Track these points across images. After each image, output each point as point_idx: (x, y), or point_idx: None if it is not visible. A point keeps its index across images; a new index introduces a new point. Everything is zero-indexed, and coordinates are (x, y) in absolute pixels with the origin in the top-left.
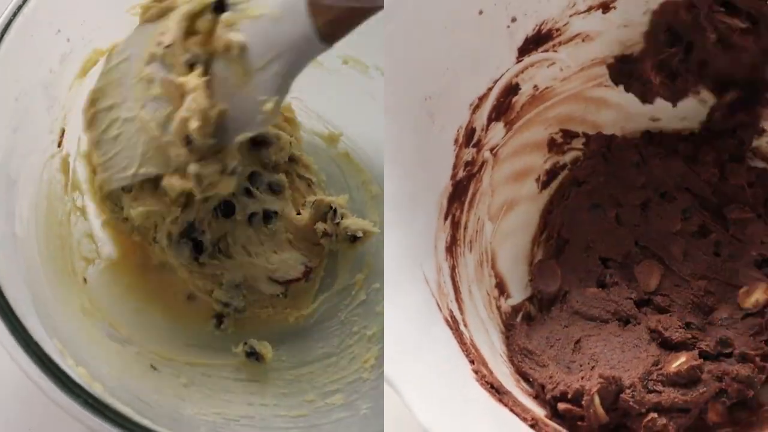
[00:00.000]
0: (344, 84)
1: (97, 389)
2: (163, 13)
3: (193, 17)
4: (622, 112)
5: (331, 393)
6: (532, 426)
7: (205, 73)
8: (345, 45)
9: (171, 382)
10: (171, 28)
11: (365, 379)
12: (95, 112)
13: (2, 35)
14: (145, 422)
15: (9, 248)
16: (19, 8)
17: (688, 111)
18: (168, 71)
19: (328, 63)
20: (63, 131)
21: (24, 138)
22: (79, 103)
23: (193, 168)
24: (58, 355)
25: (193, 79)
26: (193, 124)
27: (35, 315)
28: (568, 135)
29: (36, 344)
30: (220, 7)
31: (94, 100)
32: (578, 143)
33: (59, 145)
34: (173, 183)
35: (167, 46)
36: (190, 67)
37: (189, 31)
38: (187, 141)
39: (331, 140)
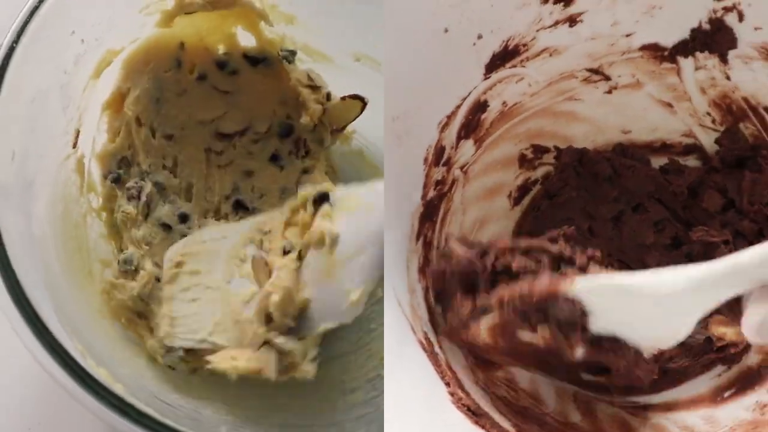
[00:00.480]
0: (357, 81)
1: (118, 390)
2: None
3: (295, 210)
4: (593, 125)
5: (351, 391)
6: None
7: (299, 260)
8: (357, 42)
9: (189, 381)
10: (274, 218)
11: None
12: (179, 272)
13: (18, 37)
14: (168, 422)
15: (28, 251)
16: (35, 10)
17: (660, 122)
18: (263, 254)
19: (340, 60)
20: (78, 132)
21: (40, 139)
22: (93, 103)
23: (280, 340)
24: (80, 356)
25: (283, 260)
26: (275, 298)
27: (55, 316)
28: (539, 150)
29: (60, 346)
30: (320, 200)
31: (180, 263)
32: (549, 158)
33: (74, 146)
34: (240, 359)
35: (266, 232)
36: (285, 253)
37: (289, 222)
38: (268, 319)
39: (345, 138)
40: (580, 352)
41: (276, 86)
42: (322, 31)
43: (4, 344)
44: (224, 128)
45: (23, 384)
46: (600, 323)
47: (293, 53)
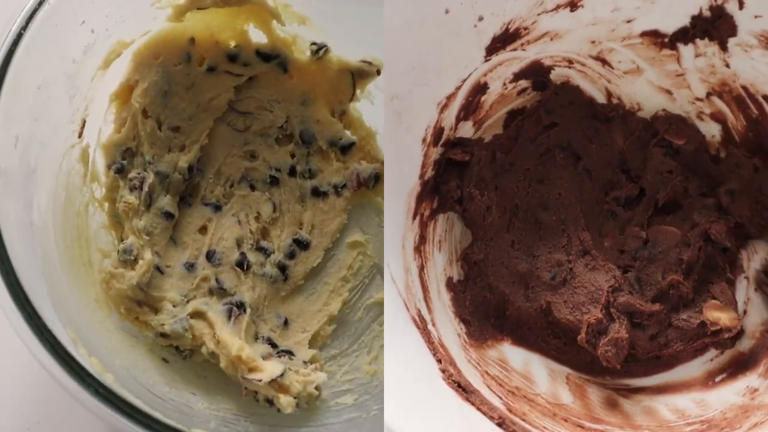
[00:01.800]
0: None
1: (108, 380)
2: None
3: None
4: None
5: (343, 393)
6: (498, 425)
7: None
8: (370, 45)
9: (183, 375)
10: None
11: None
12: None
13: (27, 24)
14: (156, 415)
15: (26, 237)
16: None
17: (659, 109)
18: None
19: None
20: (84, 122)
21: (44, 127)
22: (100, 94)
23: None
24: (71, 345)
25: None
26: None
27: (50, 304)
28: None
29: (50, 333)
30: None
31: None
32: None
33: (80, 135)
34: None
35: None
36: None
37: None
38: None
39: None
40: None
41: (294, 85)
42: (334, 33)
43: (5, 344)
44: (241, 107)
45: (23, 384)
46: None
47: (323, 47)
